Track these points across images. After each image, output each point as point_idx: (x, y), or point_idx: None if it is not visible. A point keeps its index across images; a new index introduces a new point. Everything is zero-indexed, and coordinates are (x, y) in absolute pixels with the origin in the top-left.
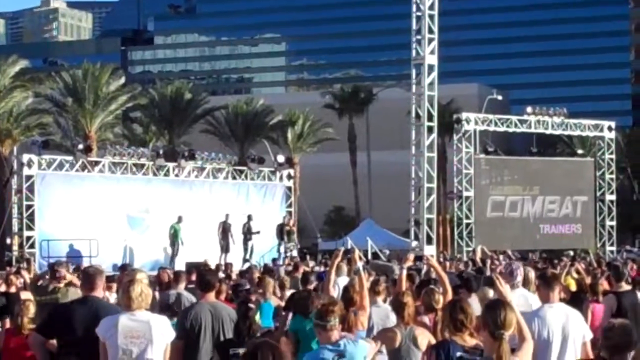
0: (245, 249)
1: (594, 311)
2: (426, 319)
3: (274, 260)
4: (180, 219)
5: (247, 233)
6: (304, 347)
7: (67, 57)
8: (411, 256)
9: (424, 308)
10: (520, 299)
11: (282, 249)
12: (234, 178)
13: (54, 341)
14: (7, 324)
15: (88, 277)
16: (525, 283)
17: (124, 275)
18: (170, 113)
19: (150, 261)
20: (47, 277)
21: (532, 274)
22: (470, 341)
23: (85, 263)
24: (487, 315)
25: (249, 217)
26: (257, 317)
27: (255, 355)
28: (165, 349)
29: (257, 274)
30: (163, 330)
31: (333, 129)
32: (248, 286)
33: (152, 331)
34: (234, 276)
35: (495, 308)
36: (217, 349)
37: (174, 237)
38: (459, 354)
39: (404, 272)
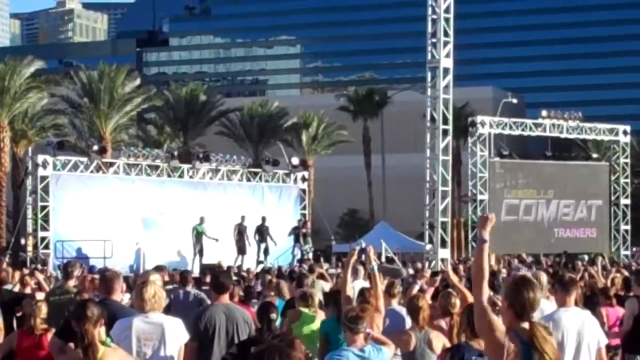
0: (259, 251)
1: (607, 315)
2: (442, 323)
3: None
4: (202, 220)
5: (262, 235)
6: (333, 349)
7: (82, 58)
8: (428, 273)
9: (441, 311)
10: None
11: (296, 251)
12: (249, 180)
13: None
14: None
15: (106, 280)
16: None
17: (137, 277)
18: (185, 115)
19: (165, 262)
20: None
21: (544, 278)
22: None
23: (100, 264)
24: (514, 292)
25: (263, 219)
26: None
27: (261, 358)
28: (179, 351)
29: (270, 277)
30: (176, 332)
31: (347, 132)
32: (260, 288)
33: (165, 333)
34: (253, 279)
35: (522, 286)
36: (239, 348)
37: (197, 238)
38: (474, 358)
39: (417, 287)
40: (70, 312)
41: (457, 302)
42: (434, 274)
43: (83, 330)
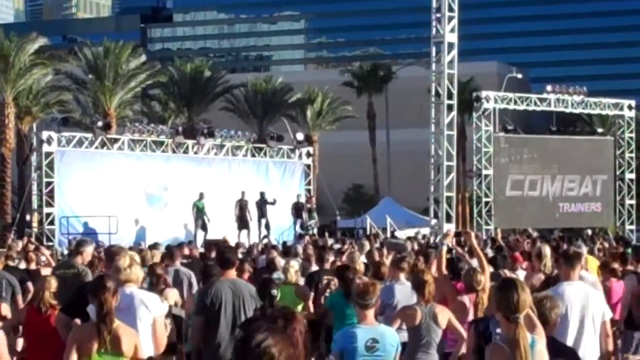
0: (260, 226)
1: (612, 289)
2: (466, 299)
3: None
4: (201, 196)
5: (261, 210)
6: (338, 324)
7: (86, 34)
8: (452, 232)
9: (465, 288)
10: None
11: (297, 228)
12: (253, 156)
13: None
14: (20, 300)
15: (111, 256)
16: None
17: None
18: (189, 91)
19: (169, 238)
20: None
21: (548, 252)
22: None
23: (105, 240)
24: (500, 296)
25: (262, 194)
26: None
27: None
28: (153, 323)
29: (275, 253)
30: (149, 304)
31: (352, 107)
32: (264, 264)
33: (134, 304)
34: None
35: (508, 289)
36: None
37: (198, 214)
38: (498, 330)
39: (444, 247)
40: (81, 286)
41: (483, 279)
42: (458, 234)
43: (102, 298)
